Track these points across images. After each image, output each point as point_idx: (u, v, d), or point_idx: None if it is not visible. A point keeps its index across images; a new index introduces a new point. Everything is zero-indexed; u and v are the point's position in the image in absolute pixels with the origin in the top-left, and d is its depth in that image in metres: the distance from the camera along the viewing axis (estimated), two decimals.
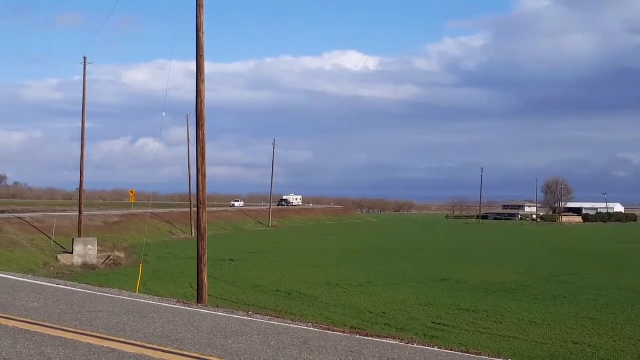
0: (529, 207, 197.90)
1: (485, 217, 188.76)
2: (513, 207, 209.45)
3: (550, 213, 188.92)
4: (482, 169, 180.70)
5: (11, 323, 10.44)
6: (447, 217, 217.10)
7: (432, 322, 26.38)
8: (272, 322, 12.58)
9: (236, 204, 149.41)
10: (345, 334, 11.70)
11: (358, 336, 11.63)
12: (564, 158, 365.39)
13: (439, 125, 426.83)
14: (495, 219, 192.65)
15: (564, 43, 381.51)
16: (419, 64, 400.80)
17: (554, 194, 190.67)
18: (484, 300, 32.64)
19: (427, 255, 60.67)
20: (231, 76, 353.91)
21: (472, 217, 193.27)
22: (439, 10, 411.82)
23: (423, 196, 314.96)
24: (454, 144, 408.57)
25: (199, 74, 23.87)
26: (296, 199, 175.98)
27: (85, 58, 57.13)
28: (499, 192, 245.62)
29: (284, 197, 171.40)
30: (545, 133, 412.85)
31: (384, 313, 28.60)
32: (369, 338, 11.52)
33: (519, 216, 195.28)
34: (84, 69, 56.89)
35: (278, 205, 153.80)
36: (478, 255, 61.85)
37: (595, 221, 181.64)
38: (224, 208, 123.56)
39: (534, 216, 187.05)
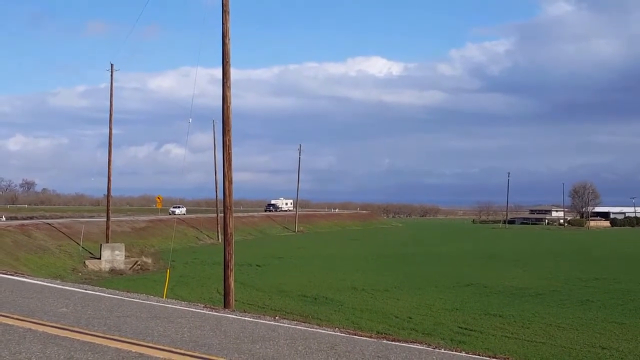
0: (556, 211, 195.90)
1: (511, 221, 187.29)
2: (540, 211, 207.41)
3: (578, 217, 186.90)
4: (508, 173, 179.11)
5: (40, 328, 10.56)
6: (473, 221, 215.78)
7: (459, 327, 26.24)
8: (299, 327, 12.59)
9: (177, 210, 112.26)
10: (372, 339, 11.69)
11: (385, 341, 11.61)
12: (590, 162, 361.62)
13: (464, 130, 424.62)
14: (522, 223, 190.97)
15: (588, 47, 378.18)
16: (443, 70, 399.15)
17: (581, 199, 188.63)
18: (511, 305, 32.40)
19: (454, 260, 60.36)
20: (255, 82, 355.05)
21: (498, 221, 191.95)
22: (461, 16, 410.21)
23: (448, 201, 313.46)
24: (479, 149, 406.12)
25: (225, 80, 23.97)
26: (286, 204, 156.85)
27: (112, 65, 57.75)
28: (525, 197, 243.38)
29: (272, 202, 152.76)
30: (571, 137, 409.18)
31: (410, 318, 28.51)
32: (396, 343, 11.49)
33: (546, 221, 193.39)
34: (111, 76, 57.49)
35: (265, 211, 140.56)
36: (505, 260, 61.39)
37: (624, 225, 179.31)
38: (249, 214, 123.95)
39: (561, 221, 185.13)
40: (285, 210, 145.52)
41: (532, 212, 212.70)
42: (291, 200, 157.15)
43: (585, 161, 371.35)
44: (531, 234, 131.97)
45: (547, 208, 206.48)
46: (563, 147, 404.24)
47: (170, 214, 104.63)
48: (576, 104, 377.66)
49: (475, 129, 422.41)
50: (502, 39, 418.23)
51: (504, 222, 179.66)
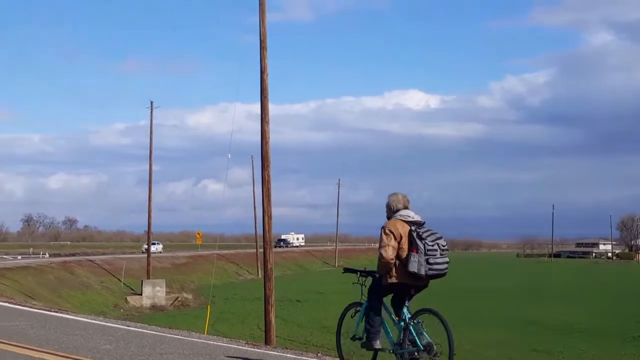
0: (604, 244, 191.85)
1: (557, 255, 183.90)
2: (586, 244, 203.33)
3: (627, 251, 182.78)
4: (553, 205, 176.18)
5: None
6: (517, 255, 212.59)
7: None
8: None
9: (153, 247, 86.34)
10: None
11: None
12: (636, 193, 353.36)
13: (505, 162, 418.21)
14: (568, 257, 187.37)
15: (631, 77, 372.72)
16: (482, 102, 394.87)
17: (629, 231, 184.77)
18: (559, 342, 31.58)
19: (499, 295, 59.26)
20: (293, 117, 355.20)
21: (543, 255, 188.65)
22: (500, 48, 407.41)
23: (490, 234, 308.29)
24: (521, 181, 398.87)
25: (263, 116, 24.06)
26: (297, 239, 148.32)
27: (152, 102, 58.69)
28: (570, 230, 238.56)
29: (282, 237, 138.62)
30: (616, 168, 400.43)
31: (454, 354, 27.91)
32: None
33: (593, 254, 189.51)
34: (151, 113, 58.41)
35: (275, 246, 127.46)
36: (552, 295, 60.09)
37: None
38: (287, 249, 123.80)
39: (609, 254, 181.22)
40: (297, 246, 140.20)
41: (578, 245, 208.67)
42: (302, 235, 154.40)
43: (631, 192, 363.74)
44: (579, 267, 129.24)
45: (593, 241, 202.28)
46: (608, 178, 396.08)
47: (143, 252, 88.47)
48: (620, 133, 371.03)
49: (517, 161, 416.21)
50: (542, 70, 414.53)
51: (550, 255, 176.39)
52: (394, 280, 8.49)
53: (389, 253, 8.45)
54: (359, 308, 9.18)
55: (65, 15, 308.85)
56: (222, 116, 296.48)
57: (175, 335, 15.21)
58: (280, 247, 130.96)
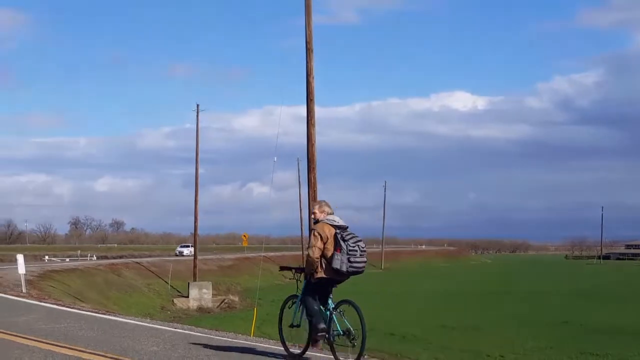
0: None
1: (607, 257, 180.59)
2: (636, 246, 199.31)
3: None
4: (602, 207, 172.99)
5: None
6: (566, 257, 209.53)
7: None
8: None
9: (185, 250, 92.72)
10: None
11: None
12: None
13: (553, 163, 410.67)
14: (618, 259, 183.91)
15: None
16: (530, 103, 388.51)
17: None
18: (610, 345, 30.83)
19: (548, 297, 58.32)
20: (338, 120, 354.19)
21: (592, 257, 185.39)
22: (547, 49, 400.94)
23: (539, 236, 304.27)
24: (570, 183, 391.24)
25: (309, 118, 23.98)
26: None
27: (197, 105, 59.13)
28: (619, 232, 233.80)
29: None
30: None
31: (502, 356, 27.52)
32: None
33: None
34: (197, 116, 58.82)
35: None
36: (603, 297, 58.89)
37: None
38: None
39: None
40: None
41: (628, 247, 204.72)
42: None
43: None
44: (629, 269, 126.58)
45: None
46: None
47: (177, 255, 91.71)
48: None
49: (566, 163, 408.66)
50: (590, 70, 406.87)
51: (599, 257, 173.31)
52: (321, 275, 10.02)
53: (315, 253, 9.92)
54: (295, 300, 10.97)
55: (113, 22, 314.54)
56: (268, 119, 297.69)
57: (222, 337, 15.27)
58: None
